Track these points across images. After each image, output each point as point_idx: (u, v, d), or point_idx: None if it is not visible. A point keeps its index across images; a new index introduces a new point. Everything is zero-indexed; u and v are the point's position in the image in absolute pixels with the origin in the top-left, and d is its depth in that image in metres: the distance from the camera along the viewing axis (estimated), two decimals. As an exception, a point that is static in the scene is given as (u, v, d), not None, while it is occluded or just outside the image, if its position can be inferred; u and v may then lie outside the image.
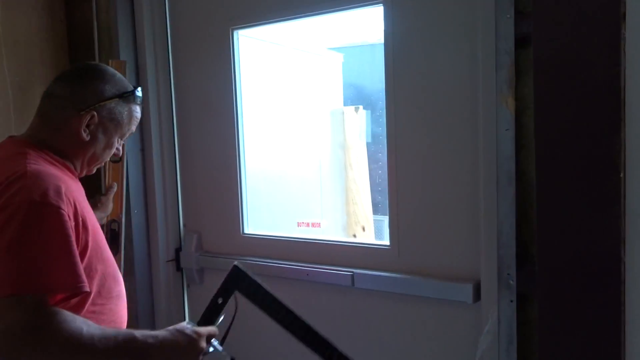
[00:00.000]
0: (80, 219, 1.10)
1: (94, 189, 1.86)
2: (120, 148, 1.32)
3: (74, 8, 1.92)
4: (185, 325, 1.13)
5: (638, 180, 0.99)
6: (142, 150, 1.84)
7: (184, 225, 1.92)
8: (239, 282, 1.17)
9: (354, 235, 3.16)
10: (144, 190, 1.86)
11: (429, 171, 1.40)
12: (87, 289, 1.06)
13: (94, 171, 1.30)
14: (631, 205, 0.99)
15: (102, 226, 1.80)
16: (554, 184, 1.03)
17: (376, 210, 3.10)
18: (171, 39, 1.83)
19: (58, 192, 1.05)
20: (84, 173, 1.28)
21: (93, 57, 1.87)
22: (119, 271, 1.29)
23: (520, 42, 1.17)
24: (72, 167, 1.22)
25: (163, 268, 1.89)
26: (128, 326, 1.27)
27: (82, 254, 1.11)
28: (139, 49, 1.80)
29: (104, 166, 1.79)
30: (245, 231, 1.79)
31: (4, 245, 1.00)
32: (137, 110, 1.28)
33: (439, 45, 1.36)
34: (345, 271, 1.54)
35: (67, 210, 1.05)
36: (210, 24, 1.73)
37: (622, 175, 0.95)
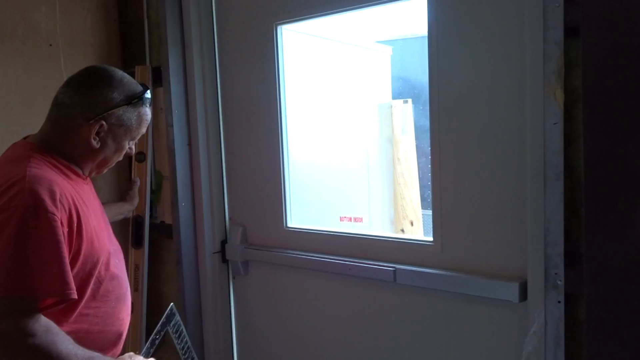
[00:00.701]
0: (75, 224, 1.13)
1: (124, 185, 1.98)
2: (133, 147, 1.33)
3: (127, 7, 2.00)
4: (136, 358, 1.22)
5: (699, 176, 0.92)
6: (189, 145, 1.88)
7: (230, 219, 1.96)
8: (171, 320, 1.45)
9: (402, 230, 3.13)
10: (190, 184, 1.91)
11: (474, 165, 1.36)
12: (75, 296, 1.09)
13: (104, 172, 1.34)
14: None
15: (129, 220, 1.94)
16: (603, 180, 0.98)
17: (426, 204, 3.05)
18: (217, 36, 1.86)
19: (53, 197, 1.08)
20: (93, 174, 1.31)
21: (144, 55, 1.94)
22: (124, 277, 1.31)
23: (571, 31, 1.11)
24: (79, 170, 1.25)
25: (209, 260, 1.93)
26: (128, 324, 1.36)
27: (75, 259, 1.13)
28: (187, 46, 1.85)
29: (131, 164, 1.92)
30: (289, 225, 1.80)
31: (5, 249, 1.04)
32: (147, 112, 1.29)
33: (484, 36, 1.31)
34: (387, 266, 1.52)
35: (60, 216, 1.08)
36: (254, 19, 1.75)
37: (679, 171, 0.89)
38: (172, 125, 1.84)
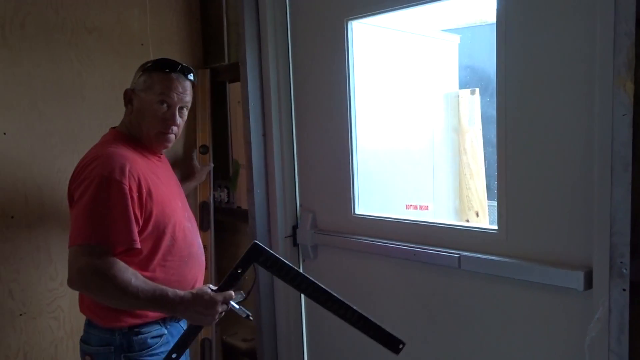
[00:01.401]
0: (145, 191, 1.40)
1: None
2: (178, 121, 1.51)
3: (207, 7, 2.15)
4: (206, 290, 1.36)
5: None
6: (264, 135, 2.00)
7: (300, 205, 2.07)
8: (258, 256, 1.35)
9: (467, 221, 3.12)
10: (265, 172, 2.04)
11: (540, 154, 1.39)
12: (138, 246, 1.37)
13: (167, 143, 1.54)
14: None
15: (199, 204, 2.16)
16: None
17: (492, 195, 3.03)
18: (290, 33, 1.97)
19: (122, 170, 1.36)
20: (155, 147, 1.53)
21: (223, 52, 2.08)
22: (195, 238, 1.55)
23: (643, 22, 1.12)
24: (147, 148, 1.52)
25: (281, 243, 2.06)
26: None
27: (148, 218, 1.39)
28: (262, 43, 1.97)
29: (196, 156, 2.12)
30: (356, 212, 1.88)
31: (82, 208, 1.34)
32: (164, 77, 1.48)
33: (553, 25, 1.32)
34: (452, 253, 1.57)
35: (130, 184, 1.36)
36: (326, 16, 1.84)
37: None
38: (248, 118, 1.98)
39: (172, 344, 1.44)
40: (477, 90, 3.16)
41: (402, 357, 1.74)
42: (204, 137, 2.10)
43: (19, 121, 1.68)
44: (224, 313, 1.38)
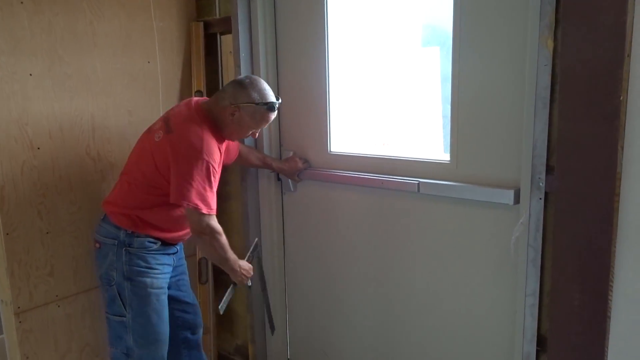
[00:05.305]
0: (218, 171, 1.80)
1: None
2: (257, 133, 1.91)
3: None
4: (247, 263, 1.97)
5: None
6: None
7: (281, 145, 2.32)
8: (257, 249, 2.12)
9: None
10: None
11: (483, 100, 1.69)
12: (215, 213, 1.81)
13: (234, 140, 1.99)
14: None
15: None
16: (571, 104, 1.35)
17: (447, 148, 3.33)
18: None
19: (216, 159, 1.75)
20: (226, 139, 1.89)
21: (213, 6, 2.28)
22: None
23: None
24: (221, 134, 1.84)
25: (266, 178, 2.33)
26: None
27: None
28: (252, 1, 2.18)
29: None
30: (331, 150, 2.16)
31: (194, 179, 1.71)
32: (271, 116, 1.85)
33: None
34: (412, 180, 1.87)
35: (218, 169, 1.78)
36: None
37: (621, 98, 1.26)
38: (239, 66, 2.20)
39: (166, 250, 1.89)
40: (438, 47, 3.44)
41: (375, 260, 2.06)
42: (198, 83, 2.33)
43: (42, 64, 1.86)
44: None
